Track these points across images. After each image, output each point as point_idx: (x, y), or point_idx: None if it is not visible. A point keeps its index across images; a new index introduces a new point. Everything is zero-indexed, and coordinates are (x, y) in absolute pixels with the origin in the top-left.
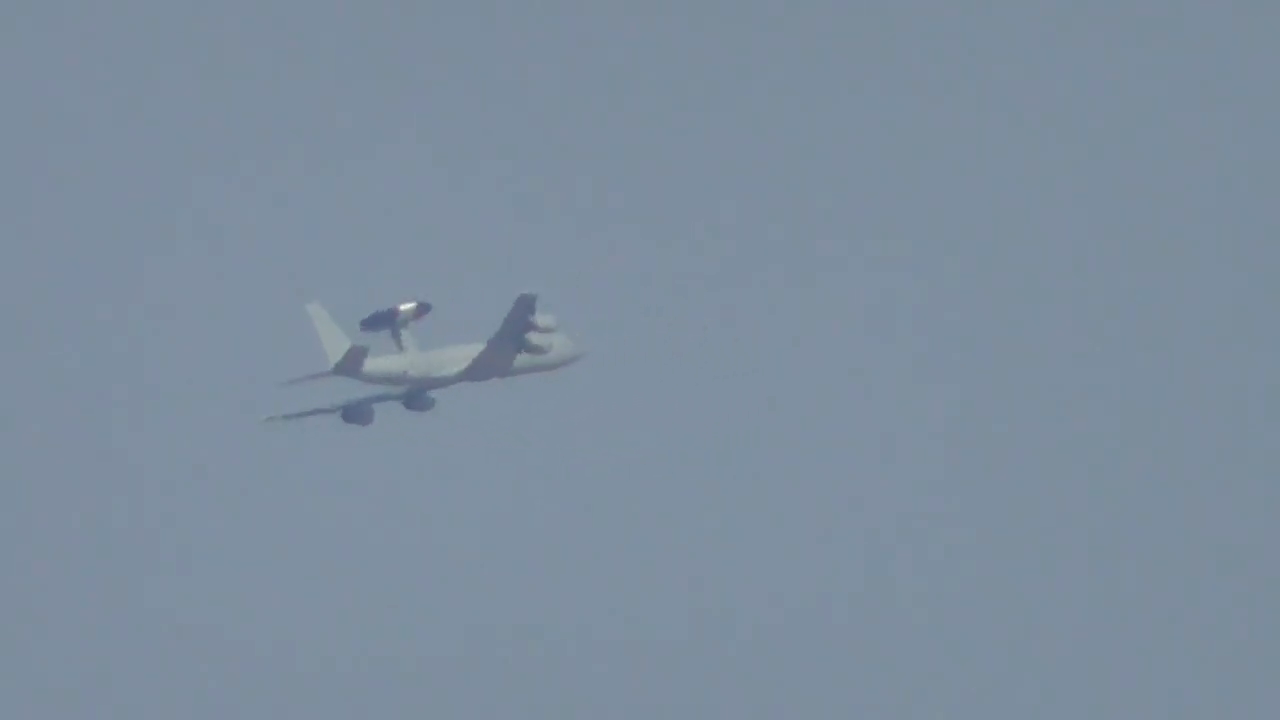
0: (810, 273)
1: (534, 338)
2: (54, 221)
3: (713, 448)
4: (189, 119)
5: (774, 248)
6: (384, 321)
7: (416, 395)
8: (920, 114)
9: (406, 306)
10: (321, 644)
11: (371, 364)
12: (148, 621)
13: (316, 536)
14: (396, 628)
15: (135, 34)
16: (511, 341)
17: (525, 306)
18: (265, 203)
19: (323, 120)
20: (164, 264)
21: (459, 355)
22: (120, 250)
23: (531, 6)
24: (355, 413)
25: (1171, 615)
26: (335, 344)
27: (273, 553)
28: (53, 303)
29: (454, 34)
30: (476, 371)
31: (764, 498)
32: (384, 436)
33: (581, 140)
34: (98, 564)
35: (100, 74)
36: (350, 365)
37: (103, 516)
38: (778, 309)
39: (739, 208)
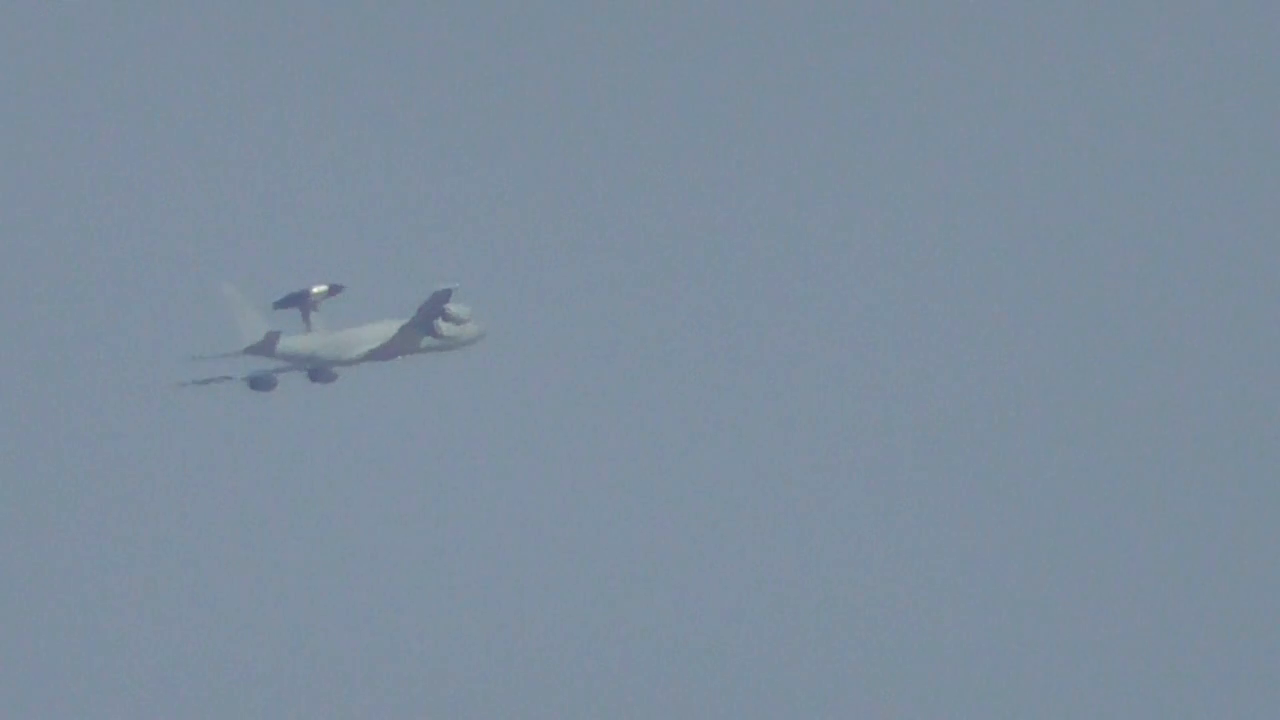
0: (743, 268)
1: (445, 328)
2: None
3: (620, 434)
4: (122, 96)
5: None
6: (295, 302)
7: (321, 370)
8: (908, 112)
9: (318, 289)
10: (221, 604)
11: (283, 344)
12: (49, 583)
13: (217, 499)
14: (291, 588)
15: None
16: (423, 329)
17: (441, 300)
18: (189, 180)
19: (254, 101)
20: (91, 234)
21: (367, 336)
22: (49, 221)
23: None
24: (260, 381)
25: (1151, 626)
26: (248, 324)
27: (170, 515)
28: None
29: (392, 20)
30: (384, 353)
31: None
32: (287, 403)
33: (512, 124)
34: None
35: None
36: (263, 348)
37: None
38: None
39: (661, 194)
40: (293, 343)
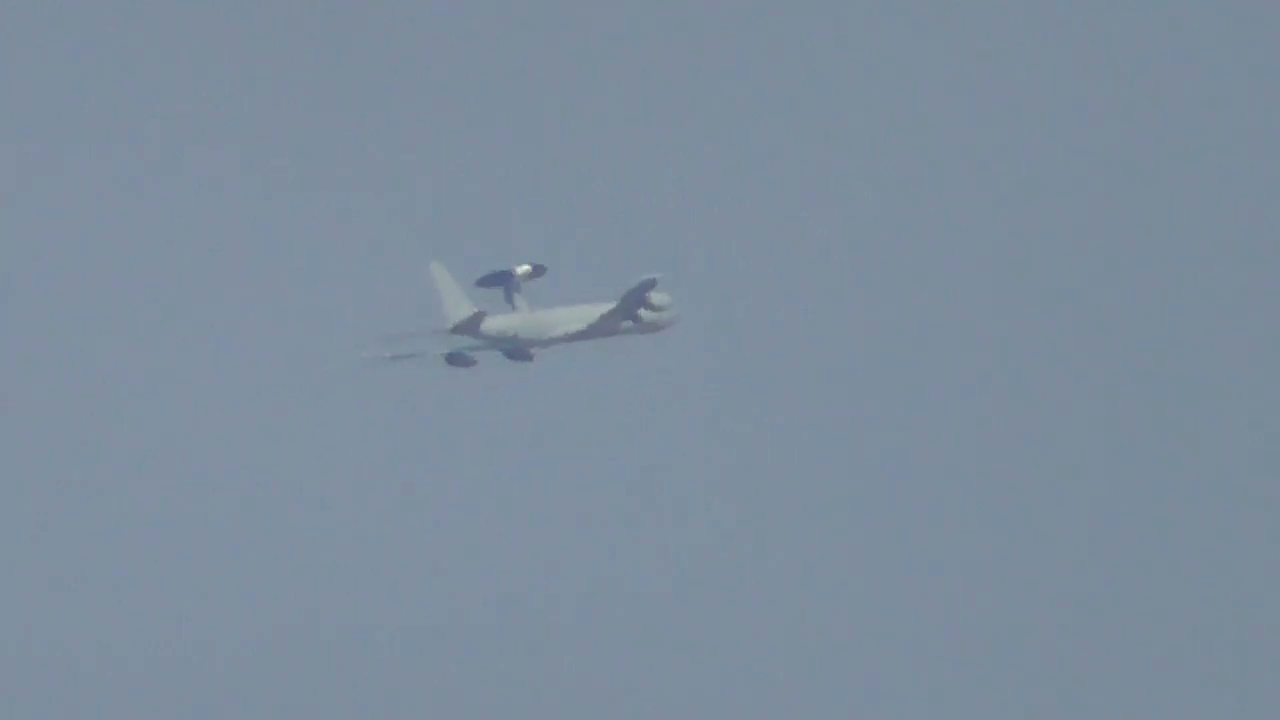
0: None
1: (646, 314)
2: (180, 169)
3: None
4: (342, 83)
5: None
6: (499, 281)
7: (520, 349)
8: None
9: (522, 269)
10: (411, 564)
11: (487, 324)
12: (245, 544)
13: (410, 472)
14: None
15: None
16: (624, 316)
17: (646, 288)
18: (406, 163)
19: (468, 85)
20: (313, 215)
21: (569, 318)
22: (275, 206)
23: None
24: (459, 358)
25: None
26: (455, 303)
27: (364, 486)
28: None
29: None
30: (584, 335)
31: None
32: (486, 381)
33: (715, 118)
34: (189, 487)
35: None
36: (468, 326)
37: (199, 443)
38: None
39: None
40: (497, 322)
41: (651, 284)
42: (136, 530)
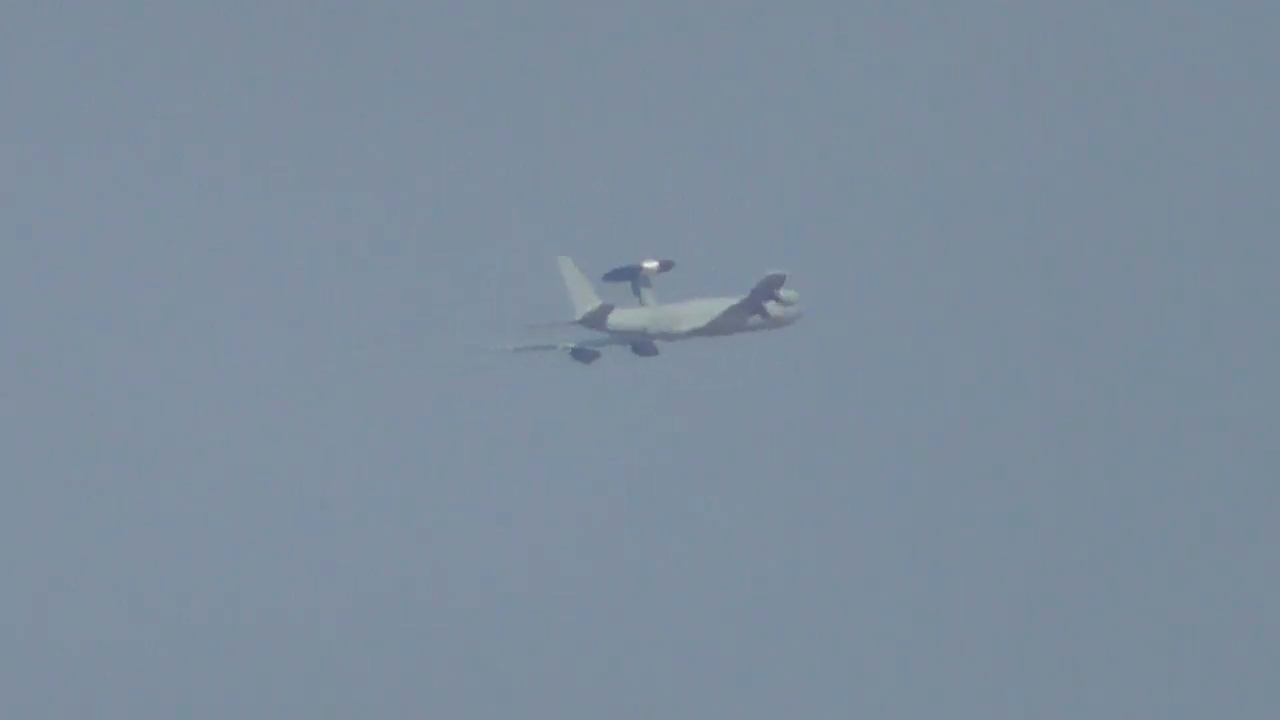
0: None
1: (773, 309)
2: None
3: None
4: (481, 82)
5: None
6: (626, 275)
7: (645, 344)
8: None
9: (650, 264)
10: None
11: (614, 318)
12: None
13: (531, 464)
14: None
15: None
16: (751, 310)
17: (774, 283)
18: (536, 159)
19: (595, 81)
20: (447, 213)
21: (695, 313)
22: (418, 204)
23: None
24: (583, 353)
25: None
26: (582, 296)
27: (485, 477)
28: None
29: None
30: (710, 330)
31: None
32: (609, 376)
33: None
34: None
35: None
36: (595, 320)
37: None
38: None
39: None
40: (623, 317)
41: (780, 279)
42: (212, 527)
